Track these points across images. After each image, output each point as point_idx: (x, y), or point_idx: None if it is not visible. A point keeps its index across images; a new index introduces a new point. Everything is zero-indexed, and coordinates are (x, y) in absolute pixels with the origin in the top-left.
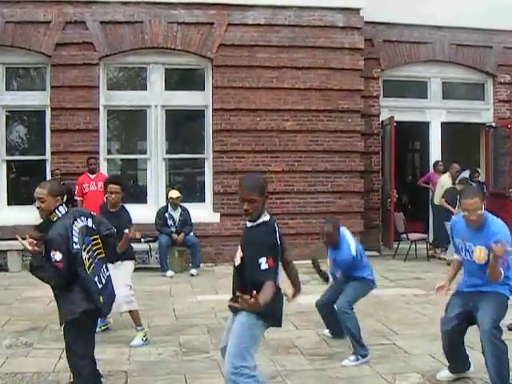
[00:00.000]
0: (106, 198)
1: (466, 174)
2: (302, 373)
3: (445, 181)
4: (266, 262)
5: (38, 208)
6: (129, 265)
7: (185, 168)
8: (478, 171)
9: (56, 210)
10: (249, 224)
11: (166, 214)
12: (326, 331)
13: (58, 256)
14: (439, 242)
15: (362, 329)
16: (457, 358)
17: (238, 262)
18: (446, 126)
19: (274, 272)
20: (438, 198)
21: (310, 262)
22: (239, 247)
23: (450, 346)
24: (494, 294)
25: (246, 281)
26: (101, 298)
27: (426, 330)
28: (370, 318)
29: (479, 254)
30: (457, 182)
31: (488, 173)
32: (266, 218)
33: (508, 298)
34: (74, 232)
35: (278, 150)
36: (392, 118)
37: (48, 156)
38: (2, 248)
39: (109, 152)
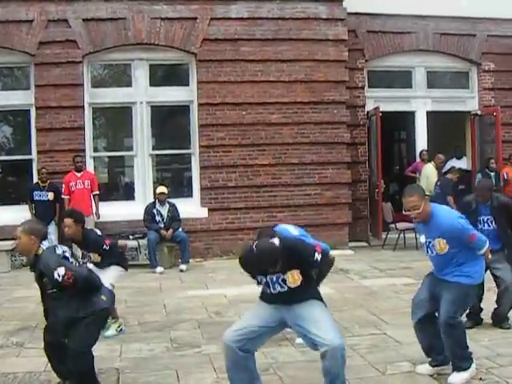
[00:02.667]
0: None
1: (458, 163)
2: (293, 364)
3: (429, 171)
4: (316, 252)
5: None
6: (116, 268)
7: (172, 164)
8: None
9: (40, 246)
10: None
11: (154, 210)
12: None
13: (61, 270)
14: None
15: (353, 319)
16: (434, 347)
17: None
18: (432, 115)
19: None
20: (426, 189)
21: None
22: (287, 274)
23: (424, 335)
24: (457, 285)
25: None
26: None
27: None
28: (361, 308)
29: (439, 245)
30: (444, 171)
31: (474, 161)
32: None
33: (470, 285)
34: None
35: (265, 143)
36: (377, 108)
37: (34, 155)
38: None
39: (95, 150)
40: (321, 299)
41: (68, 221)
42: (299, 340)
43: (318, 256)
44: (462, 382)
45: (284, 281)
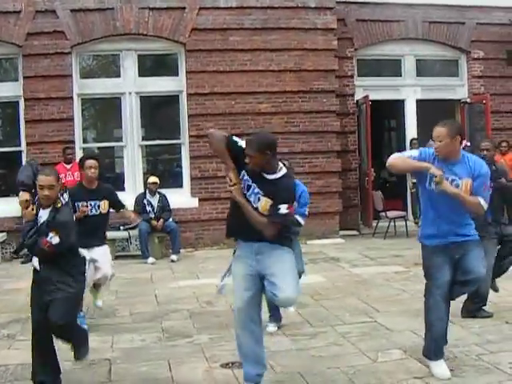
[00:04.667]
0: (84, 174)
1: None
2: (285, 353)
3: None
4: (287, 208)
5: (44, 197)
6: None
7: (161, 154)
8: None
9: (61, 197)
10: (270, 176)
11: (145, 201)
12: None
13: (55, 240)
14: None
15: (344, 307)
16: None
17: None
18: (421, 103)
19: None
20: None
21: None
22: (264, 198)
23: (445, 322)
24: (477, 243)
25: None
26: None
27: (407, 306)
28: (352, 296)
29: (465, 187)
30: None
31: (464, 148)
32: (283, 171)
33: None
34: None
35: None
36: (367, 97)
37: (23, 147)
38: None
39: (84, 141)
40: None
41: (94, 162)
42: (270, 329)
43: (284, 210)
44: None
45: (259, 199)
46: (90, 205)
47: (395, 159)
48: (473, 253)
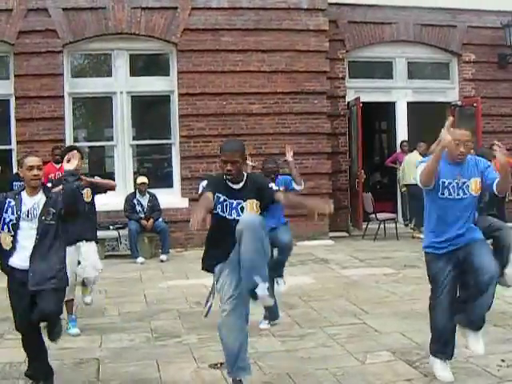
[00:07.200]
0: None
1: None
2: (274, 354)
3: (415, 159)
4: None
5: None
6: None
7: (152, 154)
8: None
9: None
10: (237, 186)
11: (135, 201)
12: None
13: None
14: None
15: (333, 309)
16: (453, 337)
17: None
18: (412, 106)
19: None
20: (411, 177)
21: None
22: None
23: (450, 326)
24: (484, 241)
25: None
26: None
27: (396, 308)
28: (341, 298)
29: (475, 185)
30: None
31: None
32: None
33: None
34: None
35: (245, 134)
36: (358, 98)
37: (14, 145)
38: None
39: (75, 140)
40: None
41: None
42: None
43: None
44: None
45: (242, 208)
46: None
47: (421, 175)
48: (480, 250)
